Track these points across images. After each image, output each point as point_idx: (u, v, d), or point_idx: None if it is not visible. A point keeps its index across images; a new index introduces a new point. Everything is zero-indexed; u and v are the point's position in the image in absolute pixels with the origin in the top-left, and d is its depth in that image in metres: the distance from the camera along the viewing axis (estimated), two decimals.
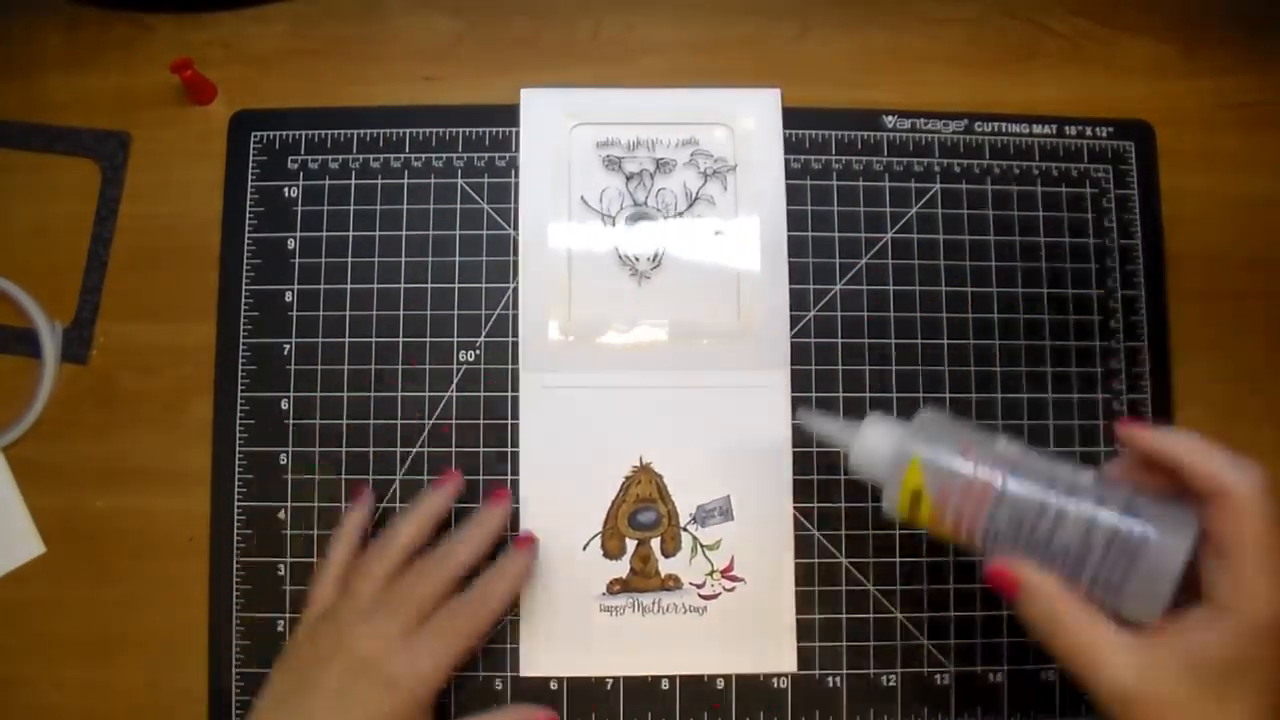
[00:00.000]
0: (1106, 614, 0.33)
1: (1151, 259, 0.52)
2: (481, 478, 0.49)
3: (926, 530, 0.37)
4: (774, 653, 0.48)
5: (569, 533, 0.49)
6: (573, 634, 0.48)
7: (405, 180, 0.51)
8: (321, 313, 0.50)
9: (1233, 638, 0.32)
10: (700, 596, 0.49)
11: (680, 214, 0.51)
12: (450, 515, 0.49)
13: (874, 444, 0.37)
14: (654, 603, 0.49)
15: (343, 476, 0.49)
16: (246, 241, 0.51)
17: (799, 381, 0.50)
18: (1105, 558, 0.31)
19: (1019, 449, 0.35)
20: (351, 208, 0.51)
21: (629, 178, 0.51)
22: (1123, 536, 0.31)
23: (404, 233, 0.51)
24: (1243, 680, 0.32)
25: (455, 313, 0.50)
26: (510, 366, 0.50)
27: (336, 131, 0.52)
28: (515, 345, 0.50)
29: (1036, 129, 0.53)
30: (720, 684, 0.48)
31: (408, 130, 0.52)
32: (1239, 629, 0.31)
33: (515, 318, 0.50)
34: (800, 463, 0.50)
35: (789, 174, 0.52)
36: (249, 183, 0.51)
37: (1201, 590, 0.33)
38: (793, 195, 0.51)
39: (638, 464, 0.49)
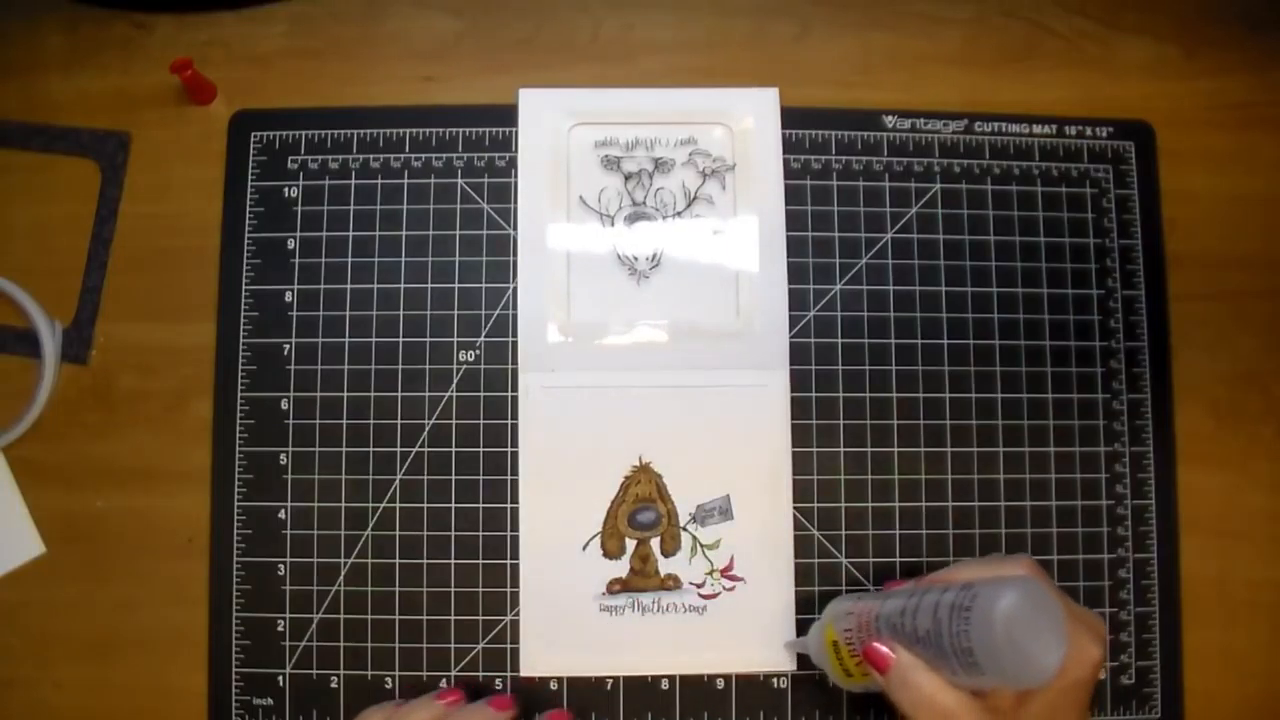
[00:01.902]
0: (969, 689, 0.37)
1: (1151, 259, 0.52)
2: (481, 478, 0.49)
3: (853, 681, 0.43)
4: (774, 653, 0.48)
5: (568, 533, 0.49)
6: (573, 634, 0.48)
7: (405, 180, 0.51)
8: (321, 313, 0.50)
9: (1061, 693, 0.37)
10: (700, 596, 0.49)
11: (679, 214, 0.51)
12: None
13: (809, 635, 0.46)
14: (654, 602, 0.49)
15: (343, 476, 0.49)
16: (246, 241, 0.51)
17: (799, 381, 0.50)
18: (950, 624, 0.36)
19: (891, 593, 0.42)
20: (351, 208, 0.51)
21: (627, 177, 0.51)
22: (959, 603, 0.36)
23: (404, 233, 0.51)
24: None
25: (455, 313, 0.50)
26: (510, 366, 0.50)
27: (336, 131, 0.52)
28: (515, 345, 0.50)
29: (1036, 129, 0.53)
30: (720, 684, 0.48)
31: (408, 130, 0.52)
32: (1064, 686, 0.37)
33: (515, 318, 0.50)
34: (800, 463, 0.50)
35: (789, 174, 0.52)
36: (249, 183, 0.51)
37: None
38: (792, 195, 0.51)
39: (637, 464, 0.49)
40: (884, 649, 0.39)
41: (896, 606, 0.39)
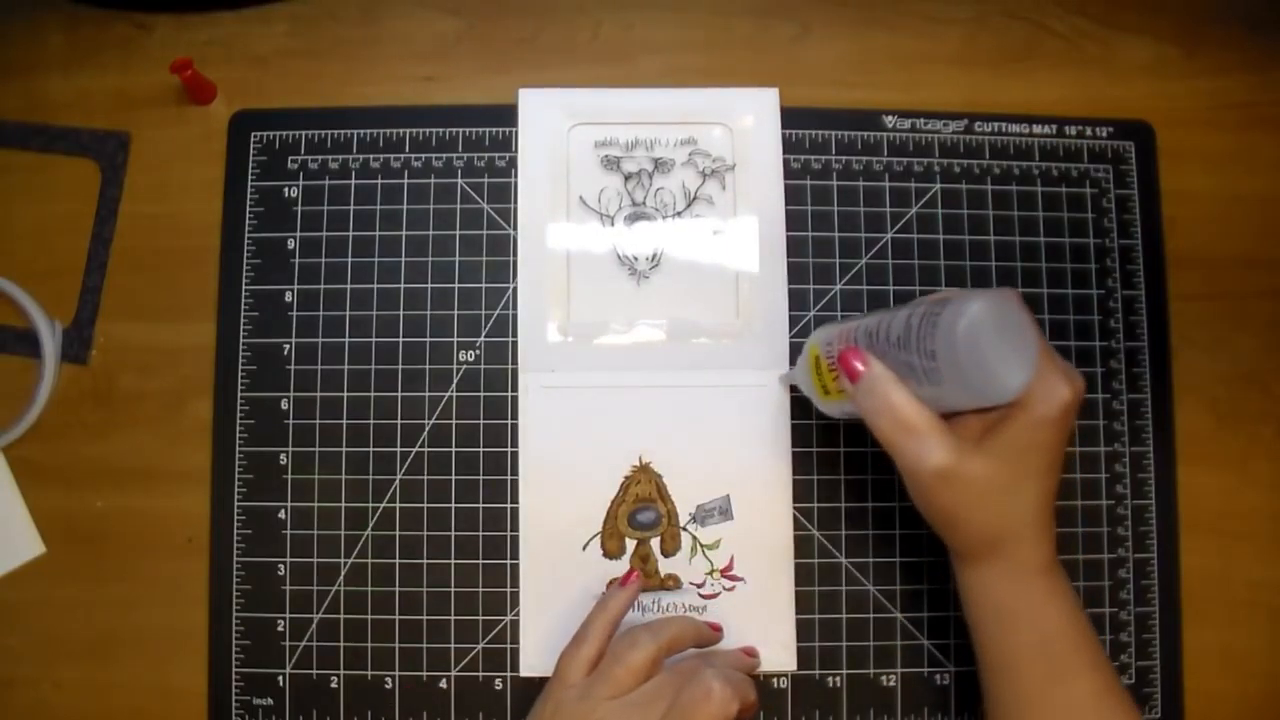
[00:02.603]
0: (936, 409, 0.38)
1: (1151, 259, 0.52)
2: (481, 478, 0.49)
3: (830, 400, 0.43)
4: (774, 653, 0.48)
5: (569, 533, 0.49)
6: (572, 634, 0.48)
7: (405, 180, 0.51)
8: (321, 313, 0.50)
9: (1026, 427, 0.37)
10: (700, 596, 0.49)
11: (679, 214, 0.51)
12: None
13: (788, 374, 0.47)
14: (654, 602, 0.49)
15: (343, 476, 0.49)
16: (246, 241, 0.51)
17: None
18: (919, 329, 0.37)
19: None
20: (351, 208, 0.51)
21: (627, 177, 0.51)
22: (930, 311, 0.36)
23: (404, 233, 0.51)
24: (1031, 461, 0.38)
25: (455, 313, 0.50)
26: (510, 366, 0.50)
27: (336, 131, 0.52)
28: (515, 345, 0.50)
29: (1036, 129, 0.53)
30: None
31: (408, 130, 0.52)
32: (1029, 420, 0.37)
33: (515, 318, 0.50)
34: (800, 463, 0.50)
35: (789, 174, 0.52)
36: (249, 183, 0.51)
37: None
38: (792, 195, 0.51)
39: (637, 464, 0.49)
40: (856, 360, 0.39)
41: (875, 318, 0.40)
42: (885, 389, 0.38)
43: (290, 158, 0.51)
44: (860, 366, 0.39)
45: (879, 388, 0.38)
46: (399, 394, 0.50)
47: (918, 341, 0.36)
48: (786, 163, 0.52)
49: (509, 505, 0.49)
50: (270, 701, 0.48)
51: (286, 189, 0.51)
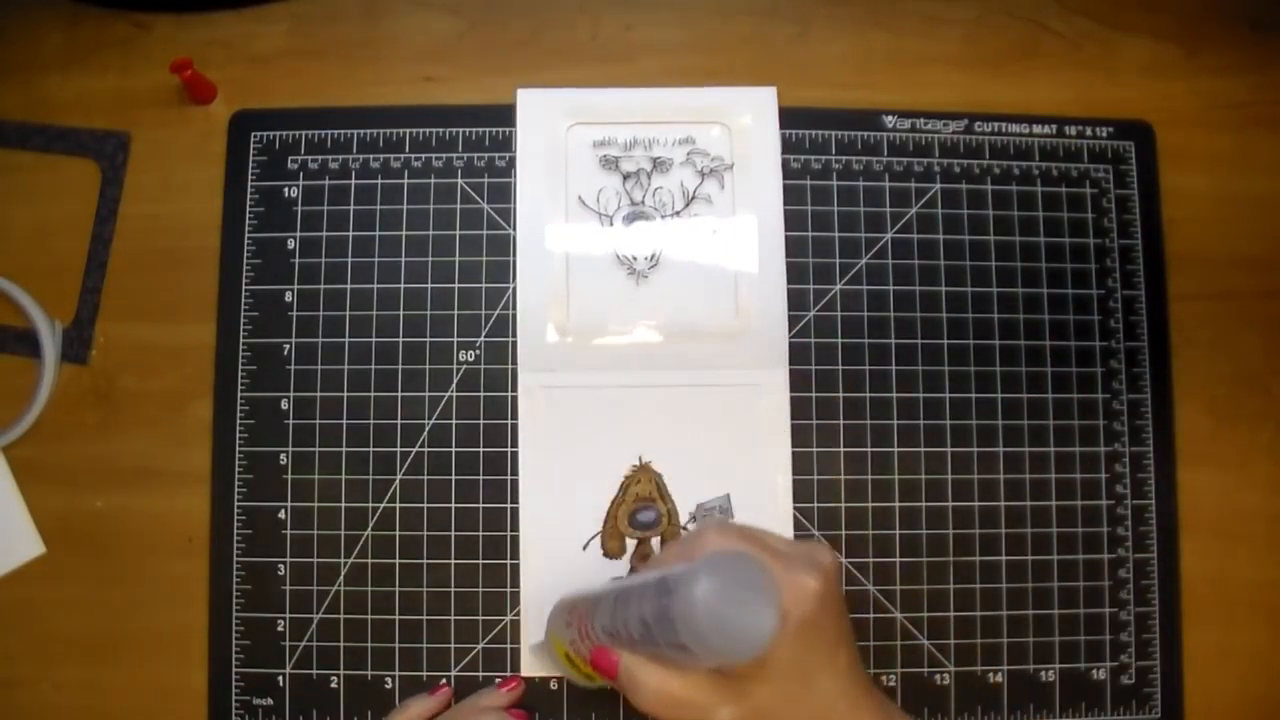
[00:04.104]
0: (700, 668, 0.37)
1: (1151, 259, 0.52)
2: (481, 478, 0.49)
3: (599, 682, 0.41)
4: None
5: (569, 532, 0.49)
6: None
7: (405, 180, 0.51)
8: (321, 313, 0.50)
9: (791, 638, 0.36)
10: None
11: (678, 213, 0.51)
12: (450, 517, 0.49)
13: (545, 648, 0.45)
14: None
15: (343, 476, 0.49)
16: (246, 241, 0.51)
17: (798, 381, 0.50)
18: (660, 631, 0.35)
19: (602, 586, 0.41)
20: (351, 208, 0.51)
21: (626, 177, 0.51)
22: (660, 612, 0.34)
23: (404, 233, 0.51)
24: (810, 661, 0.37)
25: (455, 313, 0.50)
26: (510, 367, 0.50)
27: (336, 131, 0.52)
28: (515, 345, 0.50)
29: (1036, 129, 0.53)
30: None
31: (408, 130, 0.52)
32: (791, 630, 0.36)
33: (515, 318, 0.50)
34: (800, 463, 0.50)
35: (788, 174, 0.52)
36: (249, 183, 0.51)
37: None
38: (792, 195, 0.51)
39: (637, 463, 0.49)
40: (608, 658, 0.38)
41: (606, 620, 0.39)
42: (644, 678, 0.37)
43: (290, 158, 0.51)
44: (613, 661, 0.38)
45: (638, 677, 0.37)
46: (399, 394, 0.50)
47: (665, 642, 0.35)
48: (786, 163, 0.52)
49: (509, 505, 0.49)
50: (270, 701, 0.48)
51: (286, 189, 0.51)
